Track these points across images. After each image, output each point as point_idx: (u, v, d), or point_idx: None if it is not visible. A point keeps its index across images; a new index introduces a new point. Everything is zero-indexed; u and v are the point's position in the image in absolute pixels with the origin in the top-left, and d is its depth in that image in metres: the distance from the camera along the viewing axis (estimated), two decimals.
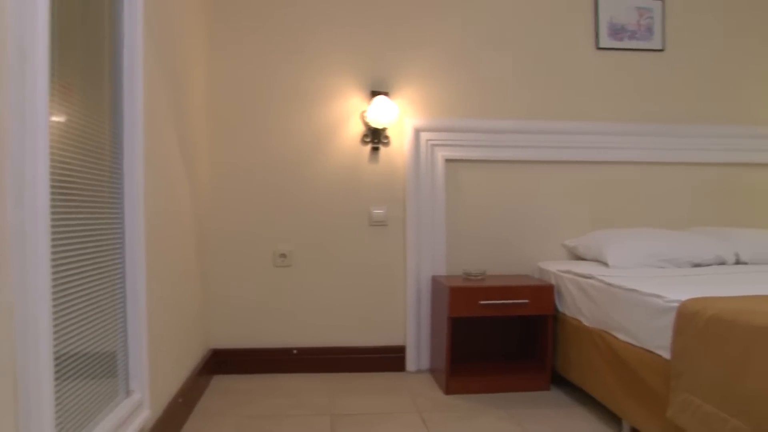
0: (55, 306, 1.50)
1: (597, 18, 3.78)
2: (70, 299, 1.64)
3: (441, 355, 3.29)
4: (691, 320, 2.13)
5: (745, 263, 3.32)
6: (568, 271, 3.24)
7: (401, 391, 3.27)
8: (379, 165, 3.64)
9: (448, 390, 3.20)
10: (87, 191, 1.79)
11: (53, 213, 1.49)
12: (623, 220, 3.79)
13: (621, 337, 2.61)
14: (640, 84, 3.83)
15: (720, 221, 3.87)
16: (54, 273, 1.49)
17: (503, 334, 3.68)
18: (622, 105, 3.81)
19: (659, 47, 3.82)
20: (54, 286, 1.49)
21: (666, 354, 2.25)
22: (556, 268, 3.42)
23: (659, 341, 2.30)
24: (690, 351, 2.12)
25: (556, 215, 3.76)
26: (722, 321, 1.99)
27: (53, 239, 1.49)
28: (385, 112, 3.48)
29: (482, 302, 3.16)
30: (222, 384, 3.37)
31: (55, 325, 1.50)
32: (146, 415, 2.14)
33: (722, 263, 3.29)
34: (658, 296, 2.36)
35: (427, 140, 3.62)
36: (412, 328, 3.63)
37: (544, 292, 3.23)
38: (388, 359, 3.63)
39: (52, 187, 1.48)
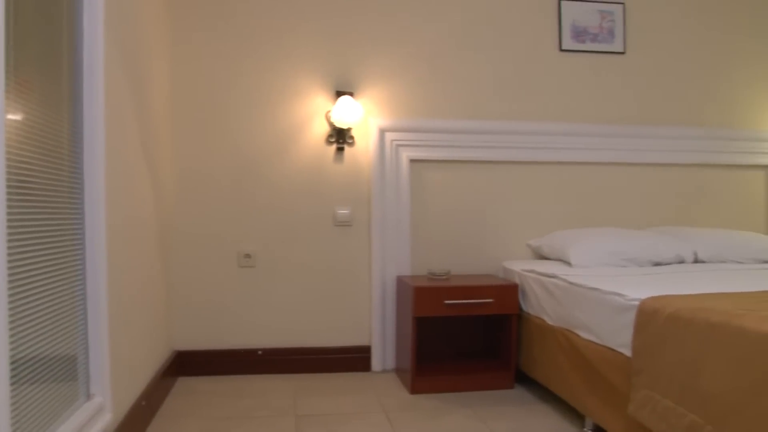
0: (11, 309, 1.46)
1: (560, 20, 3.82)
2: (28, 302, 1.60)
3: (406, 355, 3.30)
4: (651, 318, 2.17)
5: (704, 262, 3.39)
6: (532, 271, 3.28)
7: (367, 391, 3.26)
8: (344, 165, 3.64)
9: (414, 389, 3.21)
10: (45, 191, 1.76)
11: (9, 213, 1.46)
12: (586, 219, 3.84)
13: (583, 335, 2.65)
14: (602, 86, 3.89)
15: (680, 221, 3.95)
16: (10, 275, 1.46)
17: (468, 333, 3.70)
18: (585, 106, 3.87)
19: (620, 50, 3.89)
20: (10, 288, 1.45)
21: (627, 351, 2.29)
22: (520, 267, 3.46)
23: (620, 339, 2.34)
24: (650, 348, 2.16)
25: (520, 215, 3.79)
26: (680, 319, 2.03)
27: (9, 240, 1.45)
28: (349, 113, 3.47)
29: (447, 302, 3.18)
30: (186, 386, 3.33)
31: (11, 329, 1.47)
32: (108, 418, 2.10)
33: (682, 262, 3.36)
34: (619, 295, 2.41)
35: (392, 140, 3.62)
36: (377, 328, 3.63)
37: (509, 292, 3.25)
38: (353, 359, 3.63)
39: (9, 186, 1.45)
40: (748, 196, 4.08)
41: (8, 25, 1.43)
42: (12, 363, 1.45)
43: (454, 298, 3.18)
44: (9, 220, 1.45)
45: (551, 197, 3.82)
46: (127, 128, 2.54)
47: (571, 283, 2.83)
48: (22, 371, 1.56)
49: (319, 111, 3.61)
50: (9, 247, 1.44)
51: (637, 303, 2.27)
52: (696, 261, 3.41)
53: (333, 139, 3.61)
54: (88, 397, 2.06)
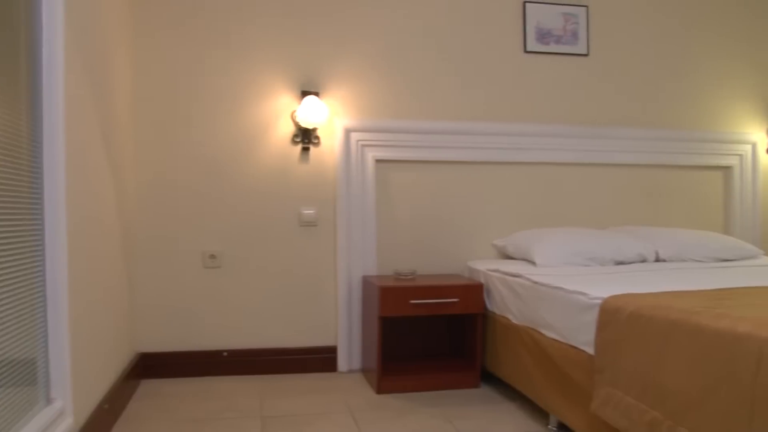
0: None
1: (525, 22, 3.87)
2: None
3: (372, 355, 3.30)
4: (613, 316, 2.21)
5: (665, 261, 3.46)
6: (497, 270, 3.31)
7: (333, 391, 3.26)
8: (310, 165, 3.62)
9: (380, 389, 3.22)
10: (3, 191, 1.71)
11: None
12: (551, 219, 3.89)
13: (547, 333, 2.68)
14: (566, 87, 3.94)
15: (641, 220, 4.03)
16: None
17: (434, 333, 3.72)
18: (549, 107, 3.92)
19: (584, 52, 3.94)
20: None
21: (590, 349, 2.33)
22: (485, 267, 3.48)
23: (583, 337, 2.38)
24: (612, 346, 2.19)
25: (485, 215, 3.82)
26: (642, 316, 2.07)
27: None
28: (315, 112, 3.46)
29: (413, 301, 3.19)
30: (150, 388, 3.28)
31: None
32: (69, 422, 2.06)
33: (644, 261, 3.42)
34: (582, 293, 2.44)
35: (358, 140, 3.62)
36: (343, 328, 3.62)
37: (474, 291, 3.28)
38: (319, 360, 3.62)
39: None
40: (707, 196, 4.18)
41: None
42: None
43: (420, 298, 3.20)
44: None
45: (516, 197, 3.86)
46: (88, 128, 2.49)
47: (535, 282, 2.86)
48: None
49: (284, 111, 3.59)
50: None
51: (599, 302, 2.31)
52: (657, 260, 3.47)
53: (298, 139, 3.59)
54: (48, 401, 2.01)
